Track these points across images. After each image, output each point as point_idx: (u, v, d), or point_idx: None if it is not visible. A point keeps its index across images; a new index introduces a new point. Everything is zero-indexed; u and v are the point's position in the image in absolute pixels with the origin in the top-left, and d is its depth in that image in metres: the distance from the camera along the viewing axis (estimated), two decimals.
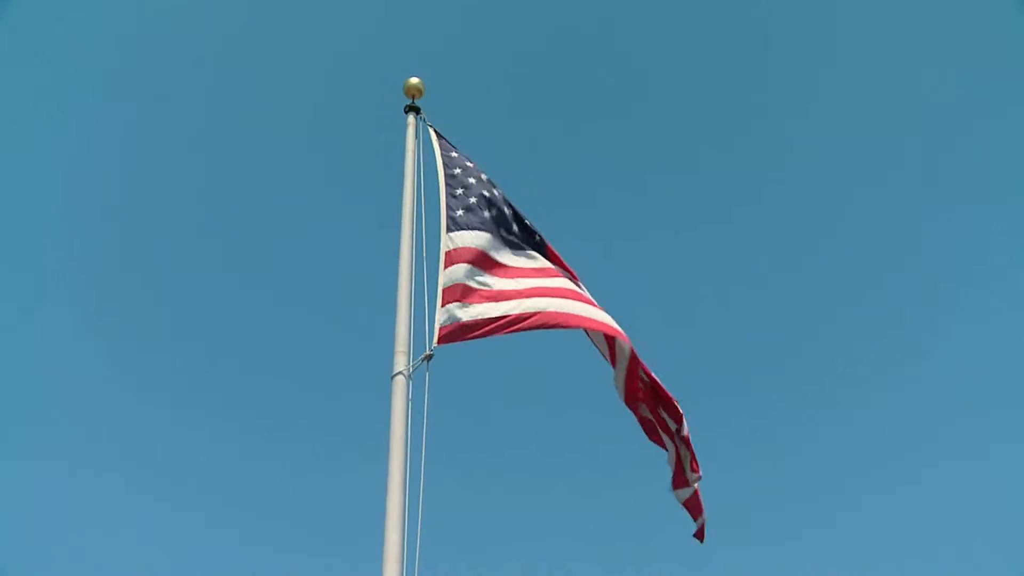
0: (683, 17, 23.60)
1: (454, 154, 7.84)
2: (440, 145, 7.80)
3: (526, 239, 7.66)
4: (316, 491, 18.80)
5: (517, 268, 7.29)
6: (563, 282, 7.39)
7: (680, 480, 7.49)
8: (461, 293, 6.74)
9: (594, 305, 7.38)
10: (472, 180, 7.64)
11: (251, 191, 21.99)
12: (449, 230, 7.09)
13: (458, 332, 6.53)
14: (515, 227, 7.62)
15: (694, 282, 23.15)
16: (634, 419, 7.63)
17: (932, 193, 21.68)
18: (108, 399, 19.02)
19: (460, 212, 7.29)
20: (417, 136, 7.84)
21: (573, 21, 23.66)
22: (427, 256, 7.01)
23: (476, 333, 6.60)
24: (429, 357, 6.27)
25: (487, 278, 6.97)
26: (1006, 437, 17.51)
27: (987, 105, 20.14)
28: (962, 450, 18.40)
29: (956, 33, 20.41)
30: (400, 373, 6.15)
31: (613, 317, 7.39)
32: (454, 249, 6.97)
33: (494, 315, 6.71)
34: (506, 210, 7.63)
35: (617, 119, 23.63)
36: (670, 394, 7.45)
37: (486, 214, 7.44)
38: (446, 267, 6.81)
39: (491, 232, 7.35)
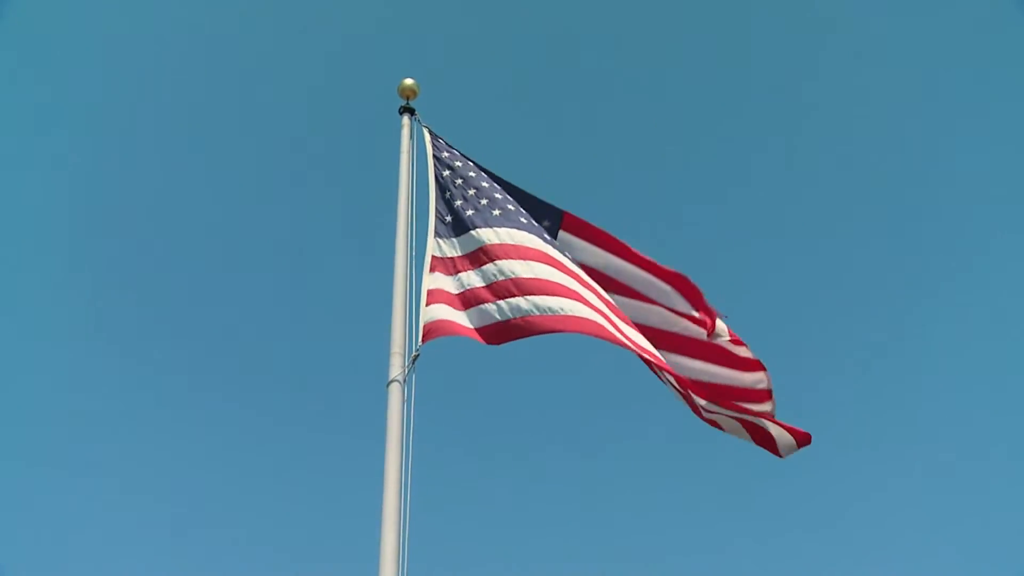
0: (680, 16, 23.61)
1: (446, 155, 7.70)
2: (434, 147, 7.69)
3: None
4: (313, 492, 18.84)
5: (513, 263, 6.89)
6: (566, 279, 6.82)
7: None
8: (448, 294, 6.63)
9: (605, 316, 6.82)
10: (468, 179, 7.47)
11: (245, 193, 21.96)
12: (437, 234, 7.00)
13: (443, 327, 6.37)
14: (522, 221, 7.27)
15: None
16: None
17: (931, 193, 21.70)
18: (107, 400, 19.08)
19: (449, 216, 7.18)
20: (412, 137, 7.79)
21: (570, 20, 23.66)
22: (425, 258, 6.85)
23: (462, 330, 6.43)
24: (415, 357, 6.15)
25: (477, 278, 6.75)
26: (1007, 437, 17.52)
27: (987, 104, 20.13)
28: (962, 450, 18.44)
29: (955, 33, 20.39)
30: (395, 380, 6.04)
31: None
32: (441, 253, 6.87)
33: (482, 315, 6.52)
34: (510, 208, 7.35)
35: (614, 120, 23.65)
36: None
37: (481, 213, 7.25)
38: (432, 270, 6.72)
39: (485, 230, 7.09)
